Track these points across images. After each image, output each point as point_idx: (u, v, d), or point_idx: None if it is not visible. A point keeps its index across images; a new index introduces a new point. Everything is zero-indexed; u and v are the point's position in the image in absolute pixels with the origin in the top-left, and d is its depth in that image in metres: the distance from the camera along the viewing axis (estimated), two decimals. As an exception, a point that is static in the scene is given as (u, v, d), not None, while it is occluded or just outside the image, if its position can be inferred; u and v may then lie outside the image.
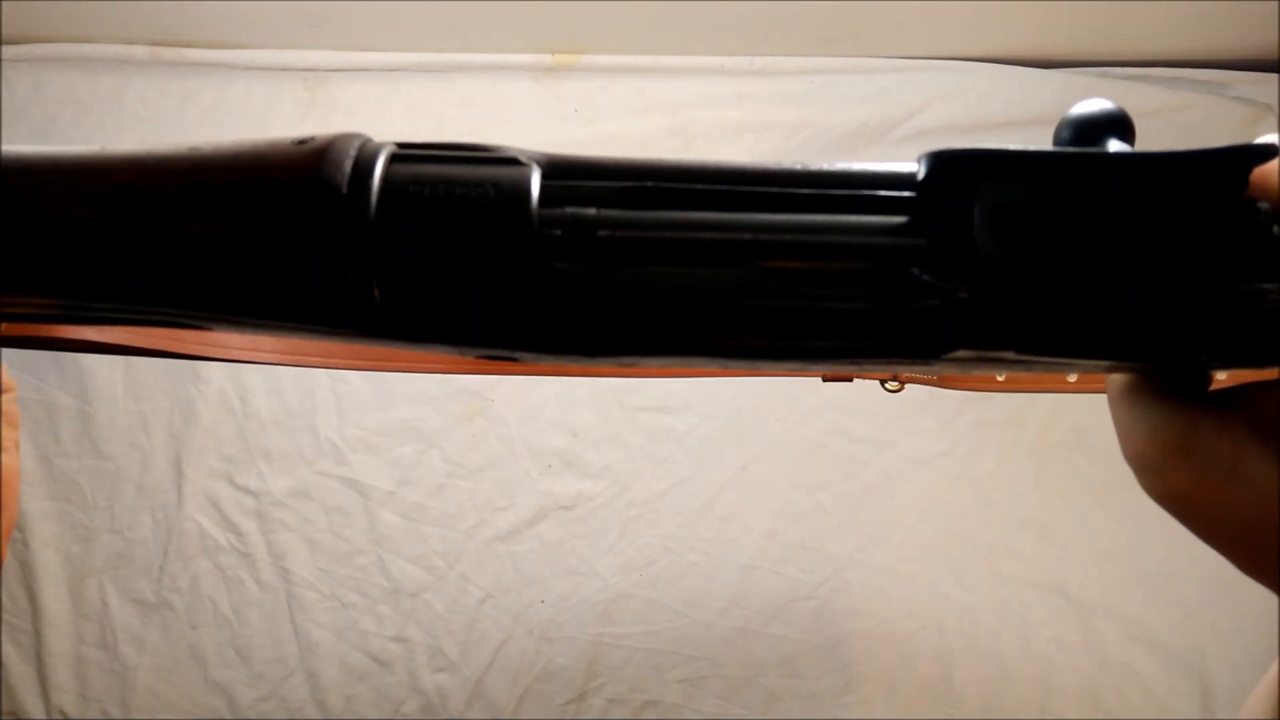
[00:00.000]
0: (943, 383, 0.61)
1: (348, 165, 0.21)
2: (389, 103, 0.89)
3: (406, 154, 0.22)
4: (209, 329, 0.24)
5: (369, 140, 0.22)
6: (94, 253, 0.22)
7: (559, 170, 0.22)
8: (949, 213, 0.21)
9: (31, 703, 0.76)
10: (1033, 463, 0.83)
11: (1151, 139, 0.94)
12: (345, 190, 0.21)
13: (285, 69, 0.89)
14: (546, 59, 0.90)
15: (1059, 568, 0.80)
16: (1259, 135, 0.77)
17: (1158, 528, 0.81)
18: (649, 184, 0.22)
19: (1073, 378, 0.49)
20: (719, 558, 0.80)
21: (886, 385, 0.63)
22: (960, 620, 0.79)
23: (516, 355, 0.22)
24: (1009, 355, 0.21)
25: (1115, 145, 0.22)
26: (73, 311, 0.23)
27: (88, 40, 0.87)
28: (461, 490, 0.81)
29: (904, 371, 0.20)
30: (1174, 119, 0.89)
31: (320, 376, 0.83)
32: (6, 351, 0.82)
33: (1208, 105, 0.89)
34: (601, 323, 0.21)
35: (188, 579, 0.78)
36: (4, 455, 0.28)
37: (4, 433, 0.28)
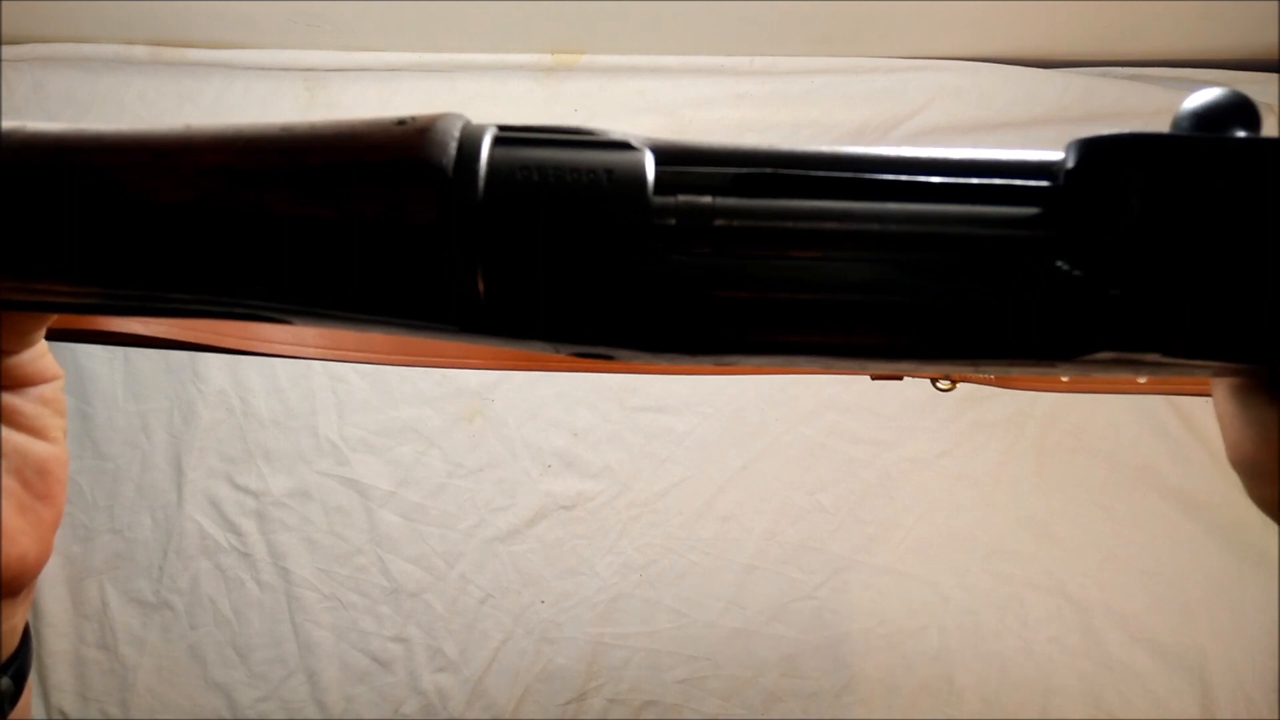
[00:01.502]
0: (1000, 383, 0.60)
1: (452, 147, 0.20)
2: (389, 103, 0.89)
3: (511, 136, 0.21)
4: (290, 322, 0.22)
5: (470, 121, 0.21)
6: (182, 238, 0.21)
7: (669, 156, 0.21)
8: (1099, 203, 0.19)
9: (32, 703, 0.75)
10: (1033, 463, 0.83)
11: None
12: (451, 174, 0.20)
13: (285, 69, 0.89)
14: (546, 59, 0.90)
15: (1059, 568, 0.80)
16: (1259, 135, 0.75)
17: (1158, 528, 0.81)
18: (767, 170, 0.20)
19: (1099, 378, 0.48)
20: (719, 558, 0.80)
21: (938, 384, 0.61)
22: (960, 620, 0.79)
23: (616, 353, 0.21)
24: (1154, 358, 0.19)
25: (1241, 135, 0.21)
26: (147, 302, 0.22)
27: (88, 40, 0.87)
28: (461, 490, 0.81)
29: (1017, 373, 0.20)
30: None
31: (320, 376, 0.83)
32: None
33: (1208, 105, 0.89)
34: (716, 319, 0.20)
35: (188, 579, 0.78)
36: (53, 445, 0.27)
37: (52, 421, 0.27)
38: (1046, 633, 0.78)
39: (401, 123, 0.21)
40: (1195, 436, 0.84)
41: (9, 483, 0.25)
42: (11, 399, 0.26)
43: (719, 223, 0.20)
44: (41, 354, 0.27)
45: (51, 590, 0.77)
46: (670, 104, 0.90)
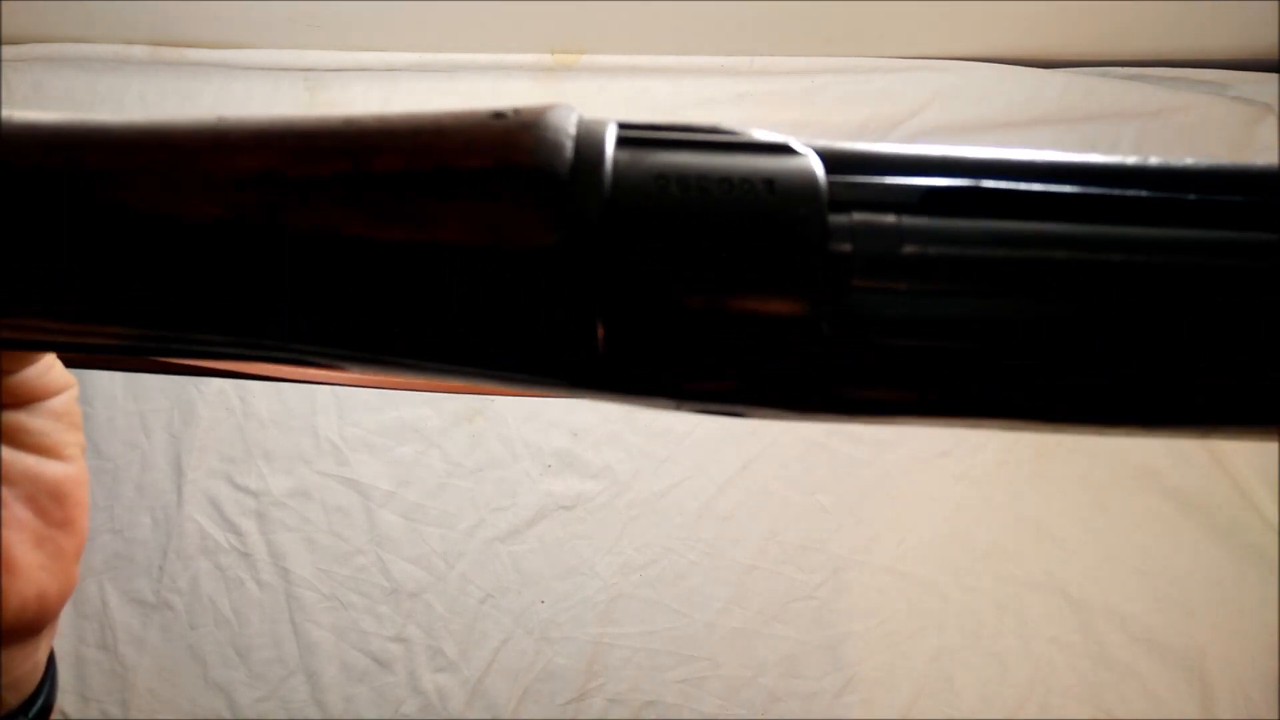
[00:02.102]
0: None
1: (569, 148, 0.16)
2: (389, 103, 0.89)
3: (639, 136, 0.16)
4: (345, 369, 0.18)
5: (584, 116, 0.17)
6: (214, 267, 0.16)
7: (838, 162, 0.16)
8: None
9: None
10: (1033, 463, 0.83)
11: (1152, 139, 0.94)
12: (568, 183, 0.16)
13: (285, 69, 0.89)
14: (546, 59, 0.90)
15: (1059, 568, 0.80)
16: (1259, 135, 0.77)
17: (1158, 528, 0.81)
18: (967, 183, 0.16)
19: None
20: (719, 558, 0.80)
21: None
22: (960, 620, 0.79)
23: (752, 412, 0.17)
24: None
25: None
26: (166, 344, 0.17)
27: (88, 40, 0.87)
28: (461, 490, 0.81)
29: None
30: (1174, 119, 0.89)
31: (320, 376, 0.83)
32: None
33: (1208, 105, 0.89)
34: (896, 373, 0.16)
35: (187, 579, 0.78)
36: (70, 464, 0.23)
37: (66, 437, 0.23)
38: (1046, 633, 0.78)
39: (500, 115, 0.16)
40: (1195, 436, 0.83)
41: (21, 513, 0.22)
42: (17, 416, 0.23)
43: (908, 250, 0.16)
44: (49, 366, 0.23)
45: (51, 590, 0.77)
46: (670, 104, 0.90)
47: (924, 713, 0.77)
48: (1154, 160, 0.17)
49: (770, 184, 0.16)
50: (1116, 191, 0.16)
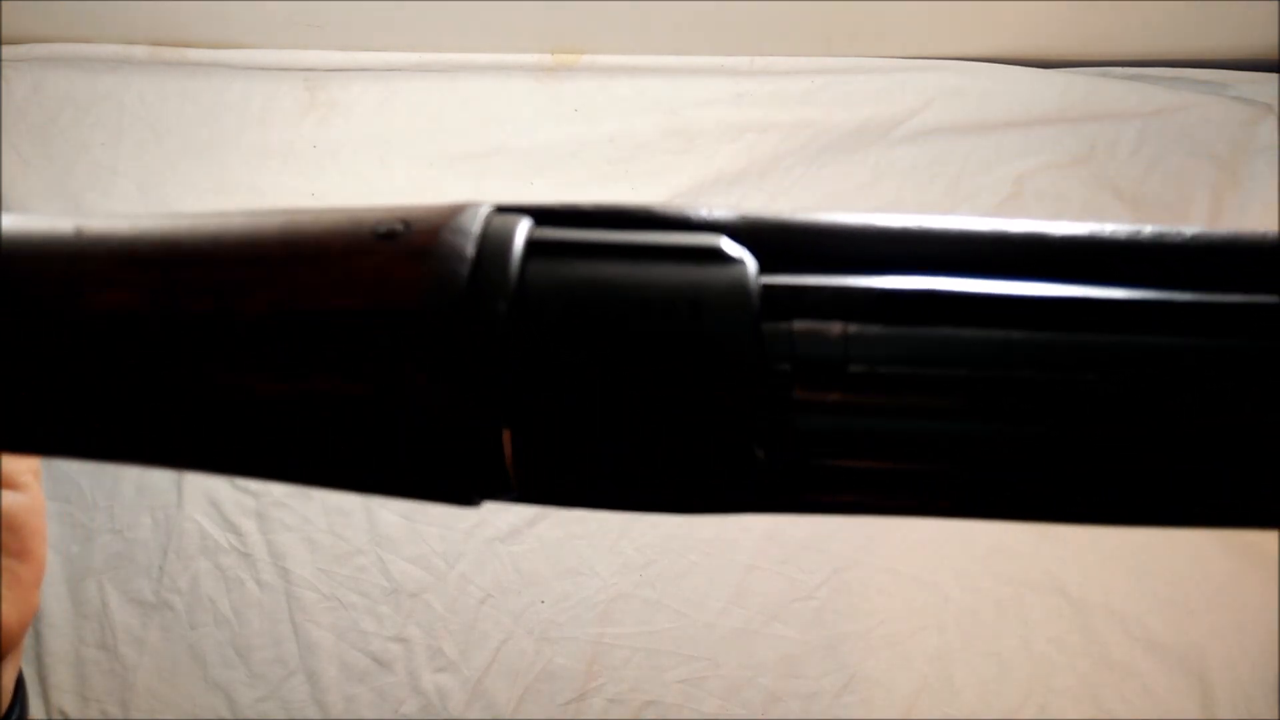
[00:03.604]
0: None
1: (462, 275, 0.14)
2: (389, 103, 0.89)
3: (552, 241, 0.14)
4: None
5: (492, 217, 0.14)
6: (89, 410, 0.14)
7: (781, 251, 0.14)
8: None
9: (31, 703, 0.75)
10: (1033, 463, 0.83)
11: (1152, 139, 0.94)
12: (458, 319, 0.13)
13: (285, 69, 0.89)
14: (546, 59, 0.90)
15: (1059, 568, 0.80)
16: (1259, 135, 0.78)
17: (1158, 528, 0.81)
18: (924, 288, 0.14)
19: None
20: (719, 558, 0.80)
21: None
22: (960, 620, 0.79)
23: (677, 514, 0.16)
24: None
25: None
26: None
27: (88, 40, 0.87)
28: (461, 490, 0.81)
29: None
30: (1174, 119, 0.89)
31: (320, 376, 0.83)
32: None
33: (1208, 105, 0.89)
34: (826, 487, 0.14)
35: (187, 579, 0.78)
36: (23, 493, 0.23)
37: (18, 464, 0.23)
38: (1046, 633, 0.78)
39: (389, 236, 0.14)
40: (1195, 436, 0.83)
41: None
42: None
43: (855, 368, 0.14)
44: None
45: (51, 590, 0.77)
46: (670, 104, 0.90)
47: (924, 713, 0.77)
48: (1148, 230, 0.14)
49: (696, 306, 0.13)
50: (1092, 293, 0.14)
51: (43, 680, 0.76)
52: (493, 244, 0.14)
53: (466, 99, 0.89)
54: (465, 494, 0.15)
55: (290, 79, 0.89)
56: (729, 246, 0.14)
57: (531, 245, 0.14)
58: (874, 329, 0.14)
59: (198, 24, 0.86)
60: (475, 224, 0.14)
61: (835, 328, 0.14)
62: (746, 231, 0.15)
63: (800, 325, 0.14)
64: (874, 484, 0.14)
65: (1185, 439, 0.13)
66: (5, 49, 0.87)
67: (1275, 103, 0.89)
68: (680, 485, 0.14)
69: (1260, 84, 0.89)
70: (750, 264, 0.14)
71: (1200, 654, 0.78)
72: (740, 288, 0.14)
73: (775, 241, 0.14)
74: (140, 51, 0.88)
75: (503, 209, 0.15)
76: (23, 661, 0.83)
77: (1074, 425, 0.13)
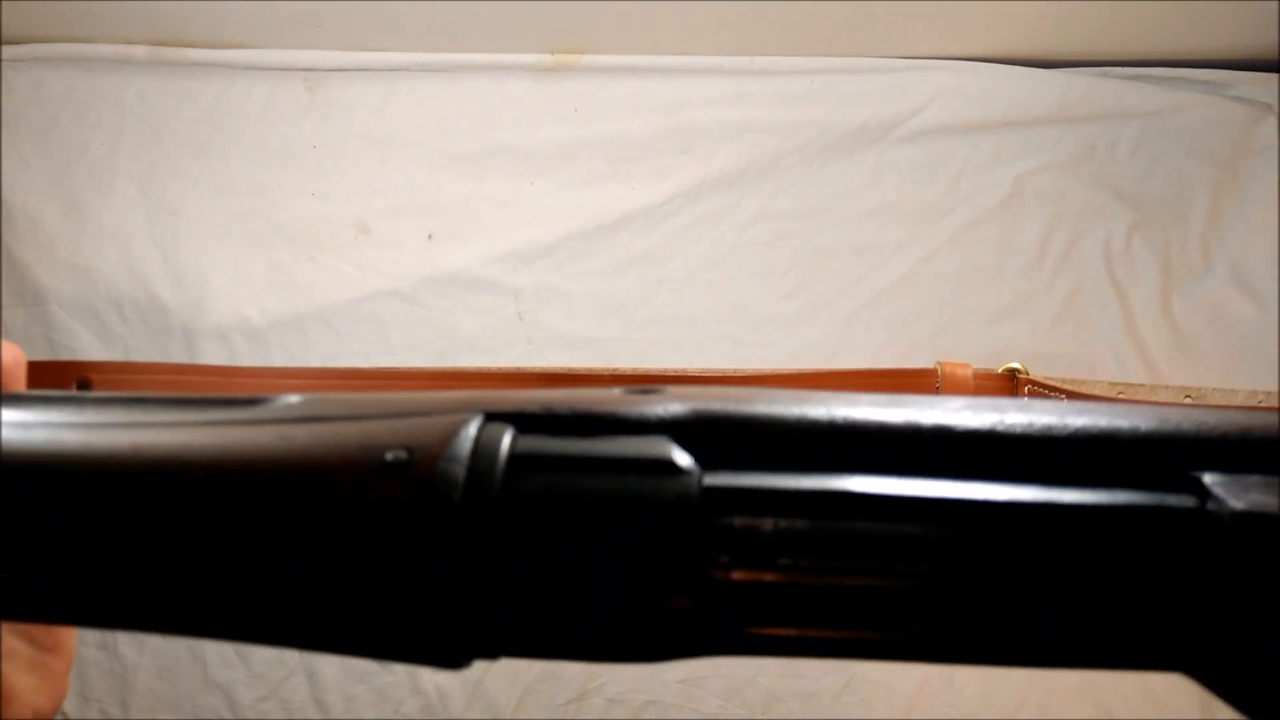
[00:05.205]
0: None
1: (456, 497, 0.17)
2: (389, 103, 0.89)
3: (531, 454, 0.17)
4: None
5: (483, 434, 0.17)
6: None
7: (722, 439, 0.17)
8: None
9: None
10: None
11: (1152, 139, 0.94)
12: (461, 526, 0.17)
13: (285, 69, 0.89)
14: (546, 59, 0.90)
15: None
16: (1259, 135, 0.77)
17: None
18: (841, 489, 0.16)
19: None
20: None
21: None
22: (960, 620, 0.79)
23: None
24: None
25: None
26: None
27: (88, 40, 0.87)
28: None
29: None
30: (1174, 119, 0.89)
31: (320, 376, 0.83)
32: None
33: (1208, 105, 0.89)
34: (741, 646, 0.17)
35: (188, 579, 0.78)
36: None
37: None
38: (1046, 633, 0.78)
39: (396, 465, 0.17)
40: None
41: (14, 644, 0.24)
42: None
43: (783, 561, 0.16)
44: None
45: (51, 590, 0.77)
46: (670, 104, 0.90)
47: (924, 713, 0.77)
48: (1039, 423, 0.17)
49: (651, 510, 0.16)
50: (975, 493, 0.16)
51: (43, 680, 0.76)
52: (483, 463, 0.17)
53: (466, 99, 0.89)
54: (456, 657, 0.18)
55: (290, 79, 0.89)
56: (678, 456, 0.17)
57: (513, 459, 0.17)
58: (799, 524, 0.16)
59: (198, 24, 0.86)
60: (467, 447, 0.17)
61: (767, 524, 0.16)
62: (696, 427, 0.18)
63: (739, 520, 0.16)
64: (801, 643, 0.17)
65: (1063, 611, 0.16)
66: (5, 49, 0.87)
67: (1275, 103, 0.89)
68: (635, 646, 0.17)
69: (1260, 84, 0.89)
70: (694, 475, 0.17)
71: (1200, 654, 0.78)
72: (686, 497, 0.16)
73: (721, 436, 0.17)
74: (140, 51, 0.88)
75: (492, 416, 0.18)
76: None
77: (961, 592, 0.16)
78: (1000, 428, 0.17)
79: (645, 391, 0.19)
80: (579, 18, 0.86)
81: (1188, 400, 0.59)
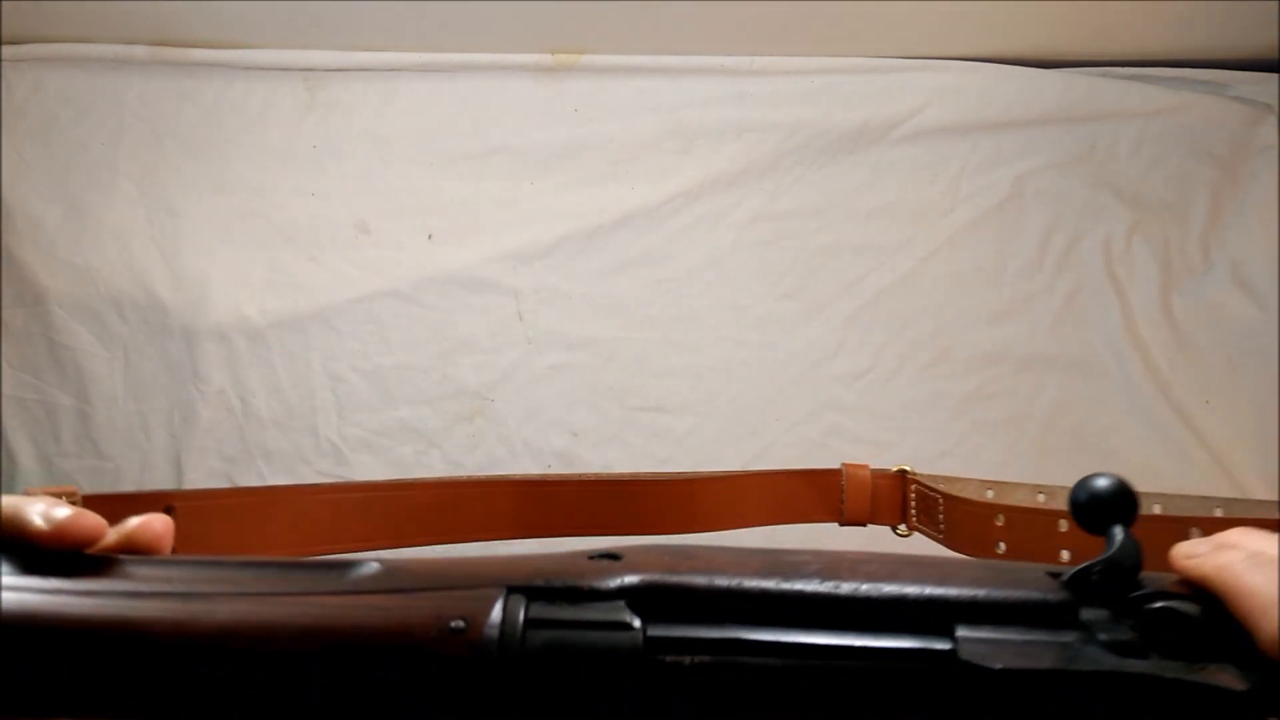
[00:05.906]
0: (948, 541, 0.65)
1: (494, 652, 0.25)
2: (389, 103, 0.89)
3: (538, 619, 0.26)
4: None
5: (509, 605, 0.26)
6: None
7: (666, 601, 0.26)
8: None
9: None
10: (1033, 463, 0.83)
11: (1152, 139, 0.94)
12: (497, 673, 0.25)
13: (285, 69, 0.89)
14: (546, 59, 0.90)
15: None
16: (1259, 135, 0.77)
17: (1158, 528, 0.80)
18: (733, 637, 0.25)
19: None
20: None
21: (897, 530, 0.70)
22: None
23: None
24: None
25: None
26: None
27: (88, 40, 0.87)
28: (461, 490, 0.81)
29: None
30: (1174, 119, 0.89)
31: (320, 376, 0.83)
32: (7, 353, 0.82)
33: (1208, 105, 0.89)
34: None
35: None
36: None
37: None
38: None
39: (457, 631, 0.25)
40: (1195, 436, 0.83)
41: None
42: None
43: (699, 682, 0.25)
44: None
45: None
46: (670, 104, 0.90)
47: None
48: (844, 588, 0.26)
49: (610, 658, 0.25)
50: (806, 640, 0.25)
51: (43, 680, 0.76)
52: (509, 628, 0.25)
53: (466, 99, 0.89)
54: None
55: (290, 79, 0.89)
56: (630, 618, 0.25)
57: (528, 623, 0.25)
58: (706, 659, 0.25)
59: (198, 24, 0.86)
60: (499, 616, 0.25)
61: (687, 660, 0.25)
62: (644, 592, 0.26)
63: (669, 658, 0.25)
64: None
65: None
66: (5, 49, 0.87)
67: (1275, 103, 0.89)
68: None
69: (1260, 84, 0.89)
70: (638, 630, 0.25)
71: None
72: (635, 646, 0.25)
73: (661, 599, 0.26)
74: (140, 51, 0.88)
75: (513, 589, 0.26)
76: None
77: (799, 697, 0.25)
78: (836, 592, 0.26)
79: (609, 556, 0.27)
80: (579, 18, 0.85)
81: (1040, 497, 0.63)
